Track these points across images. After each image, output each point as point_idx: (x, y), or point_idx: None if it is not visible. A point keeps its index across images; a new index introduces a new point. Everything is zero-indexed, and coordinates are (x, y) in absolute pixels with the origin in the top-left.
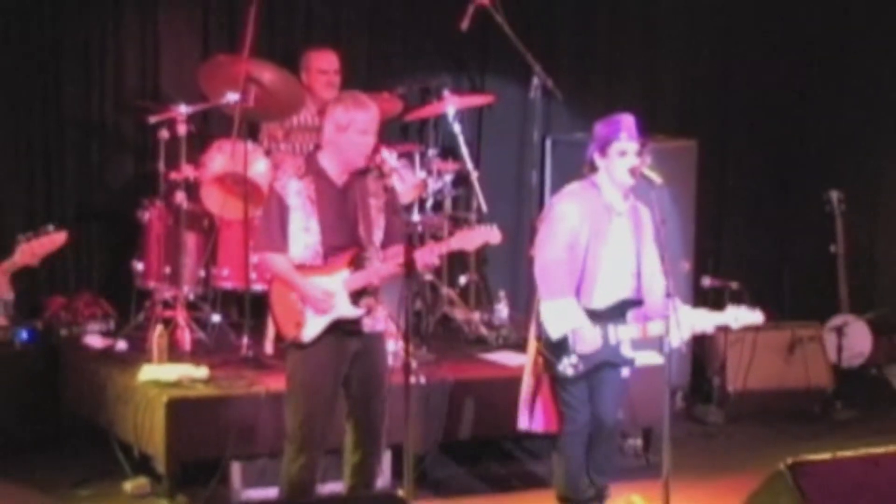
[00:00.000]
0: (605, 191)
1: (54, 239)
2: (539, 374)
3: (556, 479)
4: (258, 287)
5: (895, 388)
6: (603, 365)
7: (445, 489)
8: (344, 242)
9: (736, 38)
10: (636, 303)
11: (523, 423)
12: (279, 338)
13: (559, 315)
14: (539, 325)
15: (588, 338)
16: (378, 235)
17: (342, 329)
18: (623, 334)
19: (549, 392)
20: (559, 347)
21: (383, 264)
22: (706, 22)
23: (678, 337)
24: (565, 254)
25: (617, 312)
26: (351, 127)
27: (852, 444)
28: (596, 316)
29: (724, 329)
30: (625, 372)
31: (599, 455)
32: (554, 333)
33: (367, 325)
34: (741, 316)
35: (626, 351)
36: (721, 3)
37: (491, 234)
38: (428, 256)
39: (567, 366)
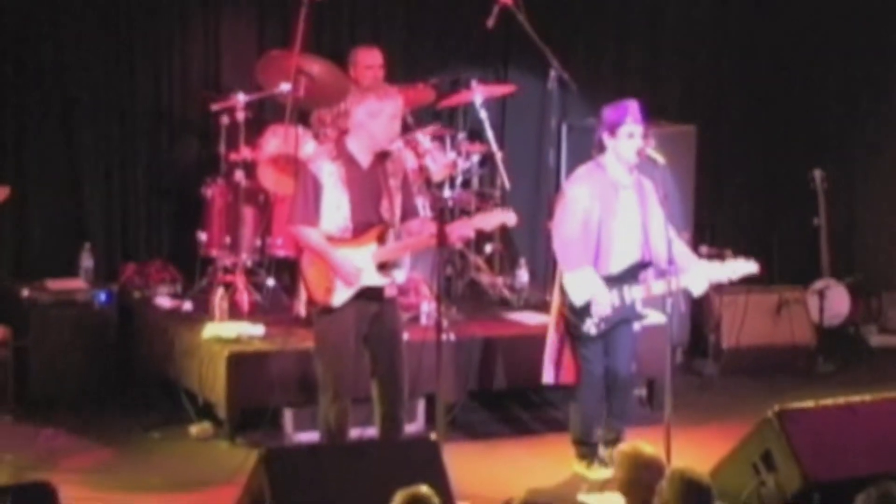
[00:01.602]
0: (611, 169)
1: None
2: (563, 335)
3: (573, 425)
4: None
5: (870, 345)
6: (620, 322)
7: (474, 433)
8: (370, 219)
9: (730, 38)
10: (646, 265)
11: (549, 377)
12: (310, 301)
13: (580, 283)
14: (562, 292)
15: (603, 301)
16: (398, 212)
17: (366, 295)
18: (636, 293)
19: (571, 349)
20: (583, 310)
21: (409, 239)
22: (704, 23)
23: (699, 287)
24: (579, 231)
25: (630, 275)
26: (382, 113)
27: (832, 394)
28: (613, 280)
29: (718, 292)
30: (636, 326)
31: (617, 403)
32: (577, 300)
33: (387, 291)
34: (739, 267)
35: (640, 308)
36: (717, 8)
37: (507, 217)
38: (464, 230)
39: (590, 326)
